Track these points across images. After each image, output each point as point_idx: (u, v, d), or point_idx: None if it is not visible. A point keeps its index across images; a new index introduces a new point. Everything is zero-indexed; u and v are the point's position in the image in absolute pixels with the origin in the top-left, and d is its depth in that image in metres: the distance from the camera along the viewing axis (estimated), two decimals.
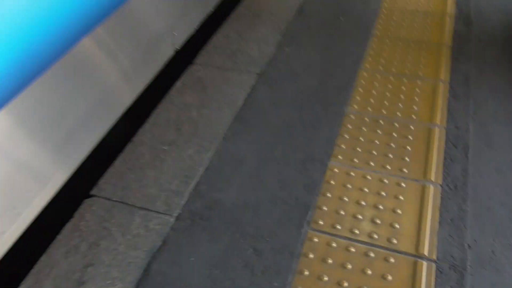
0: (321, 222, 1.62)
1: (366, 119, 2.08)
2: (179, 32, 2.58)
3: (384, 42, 2.57)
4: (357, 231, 1.58)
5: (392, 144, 1.93)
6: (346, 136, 2.00)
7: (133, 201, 1.80)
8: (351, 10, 2.88)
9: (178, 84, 2.45)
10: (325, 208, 1.67)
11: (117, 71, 2.05)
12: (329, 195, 1.72)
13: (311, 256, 1.52)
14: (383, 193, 1.70)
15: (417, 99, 2.16)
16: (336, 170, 1.83)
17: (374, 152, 1.90)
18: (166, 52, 2.51)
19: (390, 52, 2.48)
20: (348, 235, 1.59)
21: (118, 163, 1.99)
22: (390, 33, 2.65)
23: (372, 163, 1.84)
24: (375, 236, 1.57)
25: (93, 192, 1.83)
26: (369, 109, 2.13)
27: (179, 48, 2.62)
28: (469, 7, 2.81)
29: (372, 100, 2.18)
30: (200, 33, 2.88)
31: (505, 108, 2.06)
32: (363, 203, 1.68)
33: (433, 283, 1.41)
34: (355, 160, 1.86)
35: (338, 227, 1.60)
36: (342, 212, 1.65)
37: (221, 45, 2.71)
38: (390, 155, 1.88)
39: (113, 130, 2.10)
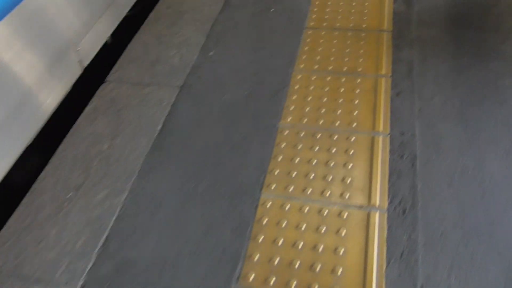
0: (251, 277, 1.36)
1: (301, 133, 1.81)
2: (86, 45, 2.20)
3: (319, 34, 2.29)
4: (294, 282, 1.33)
5: (331, 163, 1.67)
6: (280, 157, 1.73)
7: (28, 271, 1.48)
8: (283, 0, 2.56)
9: (88, 109, 2.10)
10: (256, 258, 1.41)
11: (9, 102, 1.69)
12: (260, 238, 1.46)
13: None
14: (322, 230, 1.46)
15: (357, 102, 1.90)
16: (268, 204, 1.56)
17: (311, 176, 1.63)
18: (71, 72, 2.15)
19: (326, 47, 2.20)
20: None
21: (13, 221, 1.66)
22: (325, 23, 2.36)
23: (310, 191, 1.59)
24: None
25: None
26: (305, 120, 1.86)
27: (87, 65, 2.25)
28: None
29: (307, 109, 1.91)
30: (113, 42, 2.51)
31: (452, 103, 1.83)
32: (300, 246, 1.43)
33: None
34: (290, 189, 1.60)
35: (272, 280, 1.35)
36: (276, 261, 1.39)
37: (137, 56, 2.36)
38: (330, 177, 1.62)
39: (7, 178, 1.76)
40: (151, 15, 2.65)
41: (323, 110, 1.90)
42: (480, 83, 1.90)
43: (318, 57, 2.15)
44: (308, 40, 2.27)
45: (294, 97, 1.97)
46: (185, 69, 2.23)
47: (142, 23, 2.61)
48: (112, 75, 2.27)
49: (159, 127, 1.95)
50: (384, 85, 1.95)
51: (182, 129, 1.92)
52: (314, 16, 2.42)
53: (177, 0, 2.71)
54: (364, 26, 2.30)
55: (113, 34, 2.46)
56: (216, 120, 1.94)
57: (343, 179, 1.61)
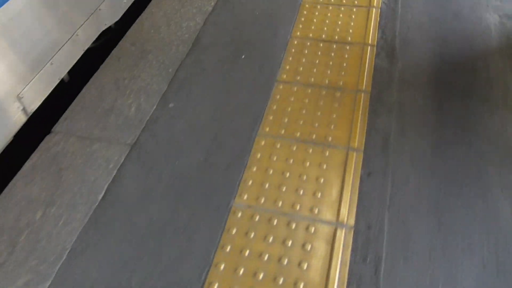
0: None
1: (256, 217, 1.59)
2: (32, 90, 1.98)
3: (290, 90, 2.07)
4: None
5: (284, 261, 1.46)
6: (228, 247, 1.51)
7: None
8: (256, 43, 2.34)
9: (27, 166, 1.88)
10: None
11: None
12: None
13: None
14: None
15: (323, 181, 1.69)
16: None
17: (260, 276, 1.42)
18: (12, 121, 1.92)
19: (296, 107, 1.99)
20: None
21: None
22: (299, 76, 2.15)
23: None
24: None
25: None
26: (262, 200, 1.64)
27: (32, 112, 2.03)
28: (394, 31, 2.33)
29: (266, 185, 1.69)
30: (69, 81, 2.29)
31: (428, 190, 1.63)
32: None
33: None
34: None
35: None
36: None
37: (91, 102, 2.13)
38: (282, 277, 1.41)
39: None
40: (114, 52, 2.42)
41: (284, 188, 1.69)
42: (461, 166, 1.69)
43: (286, 120, 1.94)
44: (278, 96, 2.05)
45: (254, 168, 1.76)
46: (140, 123, 2.01)
47: (102, 61, 2.38)
48: (60, 125, 2.04)
49: (100, 196, 1.73)
50: (355, 161, 1.74)
51: (125, 200, 1.70)
52: (287, 67, 2.21)
53: (143, 36, 2.49)
54: (340, 83, 2.09)
55: (71, 71, 2.24)
56: (164, 192, 1.72)
57: (296, 284, 1.40)
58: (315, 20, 2.48)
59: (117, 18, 2.56)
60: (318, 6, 2.58)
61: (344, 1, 2.59)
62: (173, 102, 2.09)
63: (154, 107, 2.08)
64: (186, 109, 2.05)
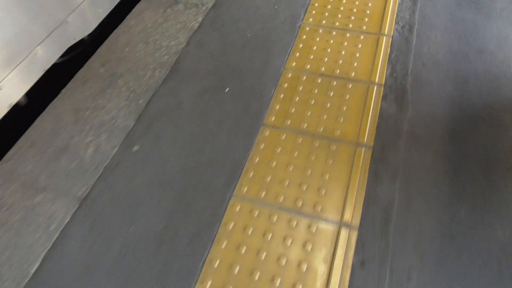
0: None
1: None
2: None
3: (277, 138, 1.73)
4: None
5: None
6: None
7: None
8: (243, 73, 2.00)
9: None
10: None
11: None
12: None
13: None
14: None
15: (305, 269, 1.35)
16: None
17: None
18: None
19: (282, 161, 1.66)
20: None
21: None
22: (289, 120, 1.81)
23: None
24: None
25: None
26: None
27: None
28: (406, 68, 1.97)
29: (236, 269, 1.36)
30: (25, 106, 1.97)
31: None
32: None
33: None
34: None
35: None
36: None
37: (43, 138, 1.81)
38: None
39: None
40: (79, 74, 2.08)
41: (257, 275, 1.36)
42: (478, 260, 1.35)
43: (269, 179, 1.60)
44: (262, 146, 1.71)
45: (223, 244, 1.43)
46: (96, 170, 1.68)
47: (65, 85, 2.05)
48: (4, 165, 1.72)
49: (33, 268, 1.41)
50: (346, 245, 1.40)
51: (62, 277, 1.38)
52: (277, 106, 1.86)
53: (116, 55, 2.15)
54: (338, 133, 1.74)
55: (29, 93, 1.92)
56: (112, 268, 1.40)
57: None
58: (315, 47, 2.12)
59: (89, 31, 2.22)
60: (320, 30, 2.22)
61: (350, 26, 2.23)
62: (139, 144, 1.76)
63: (116, 149, 1.75)
64: (153, 154, 1.72)
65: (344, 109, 1.85)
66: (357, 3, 2.33)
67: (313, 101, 1.89)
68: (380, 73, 1.99)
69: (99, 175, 1.67)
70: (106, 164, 1.70)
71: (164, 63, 2.11)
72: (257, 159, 1.68)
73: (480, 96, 1.86)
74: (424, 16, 2.26)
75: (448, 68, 1.99)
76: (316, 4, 2.38)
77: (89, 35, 2.23)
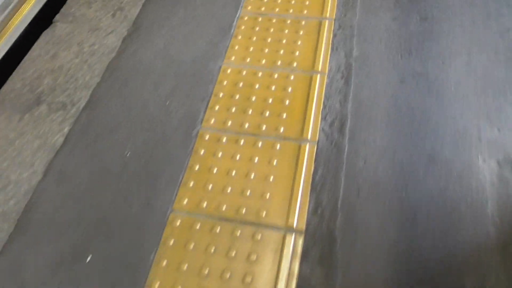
0: None
1: None
2: None
3: None
4: None
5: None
6: None
7: None
8: (115, 229, 1.43)
9: None
10: None
11: None
12: None
13: None
14: None
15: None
16: None
17: None
18: None
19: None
20: None
21: None
22: None
23: None
24: None
25: None
26: None
27: None
28: (335, 200, 1.46)
29: None
30: None
31: None
32: None
33: None
34: None
35: None
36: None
37: None
38: None
39: None
40: None
41: None
42: None
43: None
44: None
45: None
46: None
47: None
48: None
49: None
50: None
51: None
52: (158, 284, 1.30)
53: None
54: None
55: None
56: None
57: None
58: (215, 169, 1.57)
59: None
60: (224, 139, 1.66)
61: (264, 128, 1.67)
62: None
63: None
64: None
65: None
66: (268, 113, 1.77)
67: (207, 270, 1.34)
68: (299, 212, 1.45)
69: None
70: None
71: (8, 215, 1.52)
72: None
73: (434, 246, 1.34)
74: (360, 104, 1.71)
75: (390, 196, 1.46)
76: (221, 94, 1.81)
77: None
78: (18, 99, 1.88)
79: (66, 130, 1.75)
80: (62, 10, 2.22)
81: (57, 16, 2.20)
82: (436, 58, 1.84)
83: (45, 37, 2.11)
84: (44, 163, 1.66)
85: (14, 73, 1.98)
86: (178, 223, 1.45)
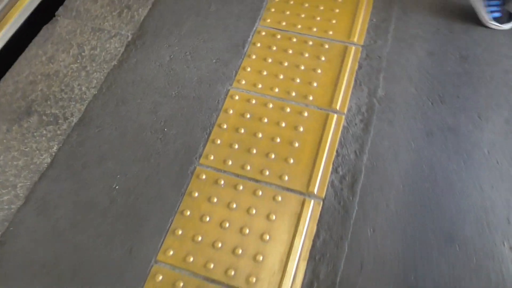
0: None
1: None
2: None
3: None
4: None
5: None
6: None
7: None
8: (91, 278, 1.32)
9: None
10: None
11: None
12: None
13: None
14: None
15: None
16: None
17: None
18: None
19: None
20: None
21: None
22: None
23: None
24: None
25: None
26: None
27: None
28: (336, 270, 1.31)
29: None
30: None
31: None
32: None
33: None
34: None
35: None
36: None
37: None
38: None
39: None
40: None
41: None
42: None
43: None
44: None
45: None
46: None
47: None
48: None
49: None
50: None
51: None
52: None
53: None
54: None
55: None
56: None
57: None
58: (207, 218, 1.43)
59: None
60: (222, 181, 1.51)
61: (265, 175, 1.51)
62: None
63: None
64: None
65: None
66: (274, 156, 1.59)
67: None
68: (292, 285, 1.30)
69: None
70: None
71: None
72: None
73: None
74: (377, 157, 1.52)
75: (396, 279, 1.30)
76: (225, 126, 1.64)
77: None
78: (9, 105, 1.74)
79: (54, 149, 1.62)
80: (66, 2, 2.03)
81: (60, 9, 2.02)
82: (471, 110, 1.61)
83: (45, 33, 1.94)
84: (27, 185, 1.54)
85: (8, 73, 1.83)
86: (160, 279, 1.33)
